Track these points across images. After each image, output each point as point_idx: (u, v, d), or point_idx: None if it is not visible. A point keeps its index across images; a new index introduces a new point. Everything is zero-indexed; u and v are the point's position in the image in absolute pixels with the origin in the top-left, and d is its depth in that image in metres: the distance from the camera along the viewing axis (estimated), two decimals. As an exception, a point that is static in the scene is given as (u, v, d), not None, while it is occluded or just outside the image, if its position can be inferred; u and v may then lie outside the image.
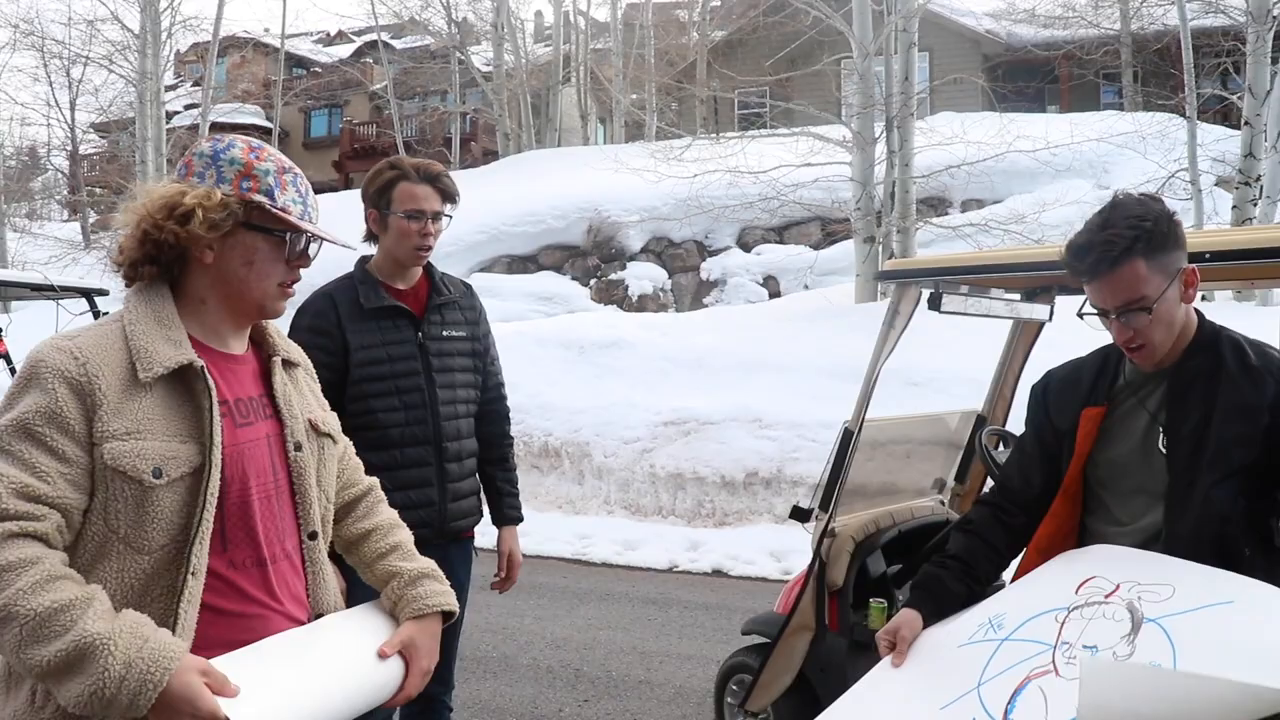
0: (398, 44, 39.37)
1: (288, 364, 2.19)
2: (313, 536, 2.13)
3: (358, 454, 2.80)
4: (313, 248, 2.10)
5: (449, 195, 3.42)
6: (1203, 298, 12.07)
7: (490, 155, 32.38)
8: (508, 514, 3.67)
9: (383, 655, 2.08)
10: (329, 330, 3.29)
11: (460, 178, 25.08)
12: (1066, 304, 4.53)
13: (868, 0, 14.26)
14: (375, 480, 2.47)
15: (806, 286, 17.27)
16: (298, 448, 2.11)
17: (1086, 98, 26.16)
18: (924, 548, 4.24)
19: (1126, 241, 2.29)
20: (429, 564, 2.30)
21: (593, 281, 19.77)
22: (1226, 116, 19.07)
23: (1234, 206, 13.34)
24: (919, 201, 16.08)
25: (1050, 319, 4.44)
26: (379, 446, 3.23)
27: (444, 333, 3.46)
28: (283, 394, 2.12)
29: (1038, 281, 4.17)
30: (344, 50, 45.01)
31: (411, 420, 3.33)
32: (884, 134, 14.13)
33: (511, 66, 29.19)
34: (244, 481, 1.99)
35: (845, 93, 16.38)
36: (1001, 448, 4.20)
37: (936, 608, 2.62)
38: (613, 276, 19.70)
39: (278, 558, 2.05)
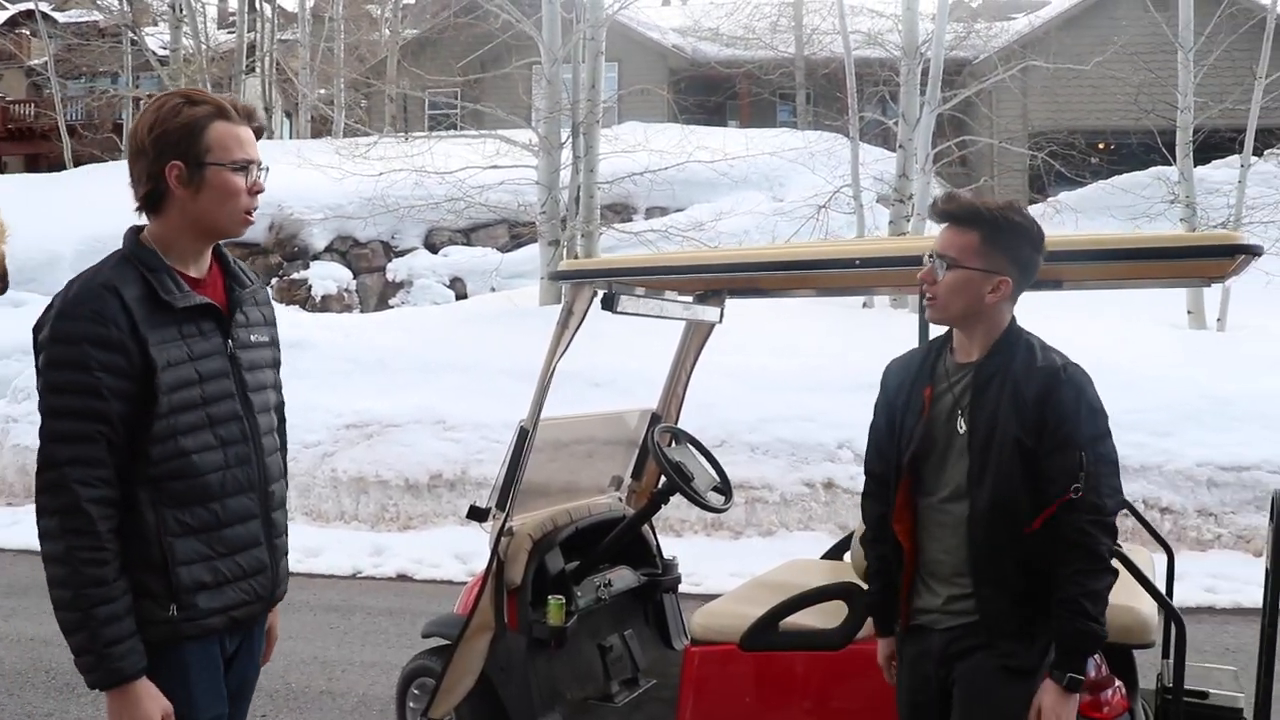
0: (60, 16, 36.35)
1: None
2: None
3: (164, 511, 2.26)
4: None
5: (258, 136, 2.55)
6: (864, 304, 13.04)
7: (164, 144, 30.54)
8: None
9: None
10: (120, 342, 2.24)
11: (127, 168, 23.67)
12: (736, 307, 4.76)
13: (557, 7, 14.44)
14: None
15: (493, 289, 17.26)
16: None
17: (764, 115, 27.50)
18: (601, 543, 4.33)
19: (976, 214, 2.63)
20: None
21: (274, 281, 19.00)
22: (886, 140, 20.53)
23: (891, 221, 14.43)
24: (605, 208, 16.43)
25: (720, 320, 4.62)
26: (196, 500, 2.34)
27: (251, 338, 2.55)
28: None
29: (708, 284, 4.35)
30: (-5, 20, 41.32)
31: (234, 461, 2.41)
32: (570, 139, 14.35)
33: (190, 51, 27.62)
34: None
35: (534, 97, 16.50)
36: (674, 444, 4.32)
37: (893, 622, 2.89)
38: (295, 276, 19.02)
39: None
